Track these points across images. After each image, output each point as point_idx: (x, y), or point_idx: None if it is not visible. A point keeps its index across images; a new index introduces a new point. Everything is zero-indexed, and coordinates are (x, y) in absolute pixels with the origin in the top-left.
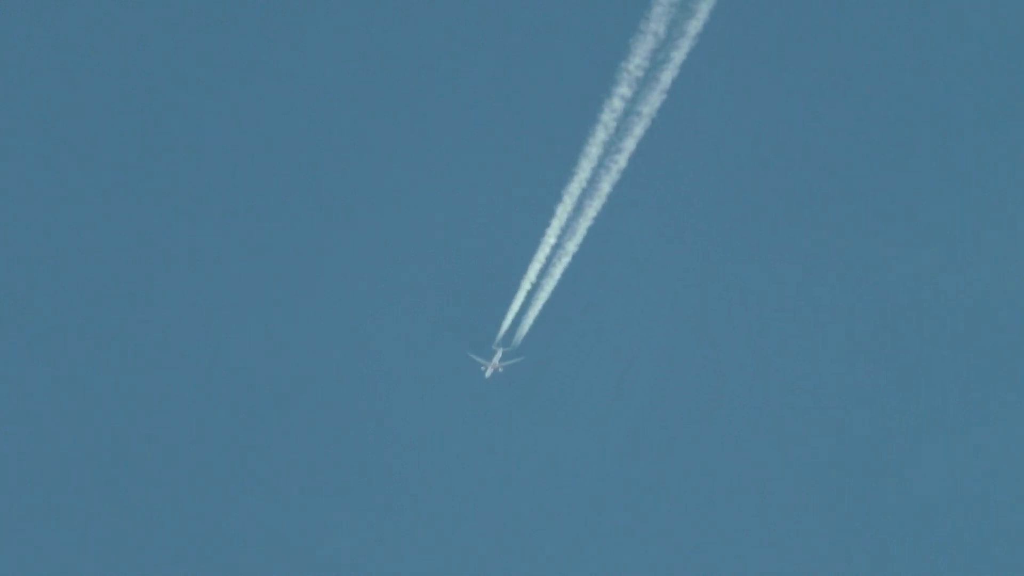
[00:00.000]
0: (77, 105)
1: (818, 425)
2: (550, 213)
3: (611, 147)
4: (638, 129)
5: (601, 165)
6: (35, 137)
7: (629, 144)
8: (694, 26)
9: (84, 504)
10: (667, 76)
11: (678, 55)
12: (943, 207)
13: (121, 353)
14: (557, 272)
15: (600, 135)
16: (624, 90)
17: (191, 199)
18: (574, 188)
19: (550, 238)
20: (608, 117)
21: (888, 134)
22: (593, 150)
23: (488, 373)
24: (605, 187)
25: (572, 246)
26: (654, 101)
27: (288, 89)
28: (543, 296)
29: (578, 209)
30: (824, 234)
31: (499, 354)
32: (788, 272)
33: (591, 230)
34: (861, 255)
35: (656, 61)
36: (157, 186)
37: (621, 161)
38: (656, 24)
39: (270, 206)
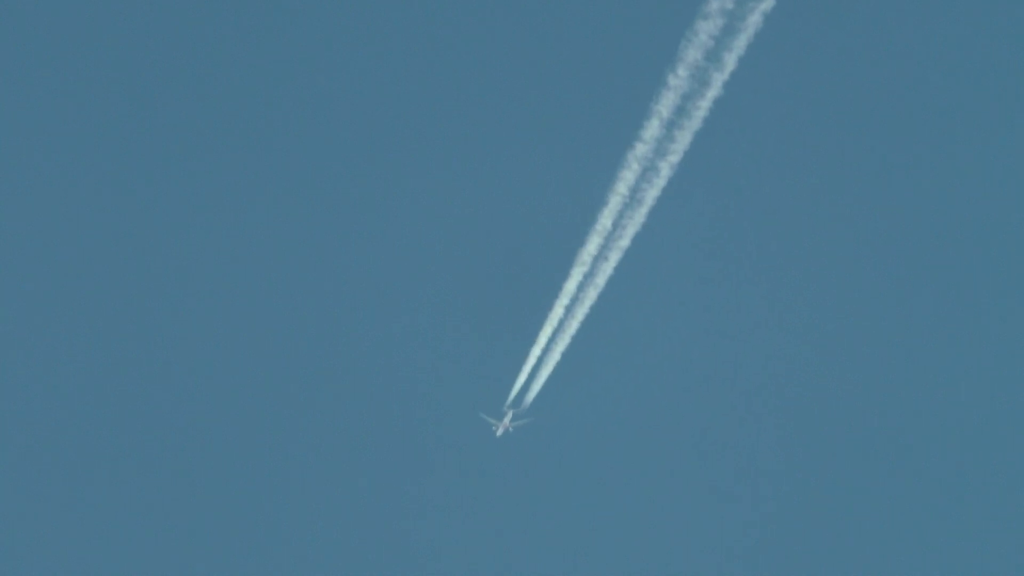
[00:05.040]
0: (77, 105)
1: (867, 462)
2: (566, 270)
3: (631, 201)
4: (670, 163)
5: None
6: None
7: (649, 198)
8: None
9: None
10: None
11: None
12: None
13: (144, 370)
14: (570, 332)
15: (621, 186)
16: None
17: (197, 199)
18: (586, 255)
19: (563, 299)
20: (637, 154)
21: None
22: (617, 195)
23: (499, 432)
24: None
25: (586, 305)
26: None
27: (304, 96)
28: (555, 357)
29: (591, 274)
30: (867, 242)
31: (510, 415)
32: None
33: (603, 295)
34: (901, 258)
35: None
36: (182, 184)
37: (641, 216)
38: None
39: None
